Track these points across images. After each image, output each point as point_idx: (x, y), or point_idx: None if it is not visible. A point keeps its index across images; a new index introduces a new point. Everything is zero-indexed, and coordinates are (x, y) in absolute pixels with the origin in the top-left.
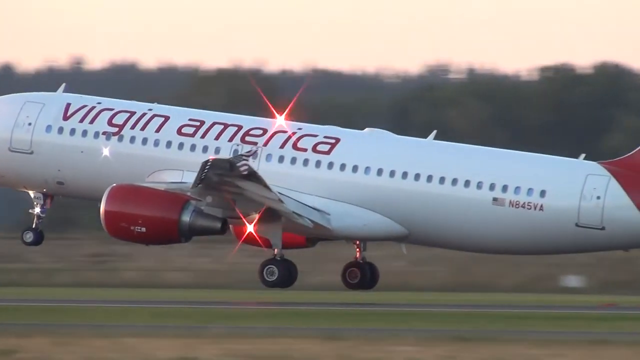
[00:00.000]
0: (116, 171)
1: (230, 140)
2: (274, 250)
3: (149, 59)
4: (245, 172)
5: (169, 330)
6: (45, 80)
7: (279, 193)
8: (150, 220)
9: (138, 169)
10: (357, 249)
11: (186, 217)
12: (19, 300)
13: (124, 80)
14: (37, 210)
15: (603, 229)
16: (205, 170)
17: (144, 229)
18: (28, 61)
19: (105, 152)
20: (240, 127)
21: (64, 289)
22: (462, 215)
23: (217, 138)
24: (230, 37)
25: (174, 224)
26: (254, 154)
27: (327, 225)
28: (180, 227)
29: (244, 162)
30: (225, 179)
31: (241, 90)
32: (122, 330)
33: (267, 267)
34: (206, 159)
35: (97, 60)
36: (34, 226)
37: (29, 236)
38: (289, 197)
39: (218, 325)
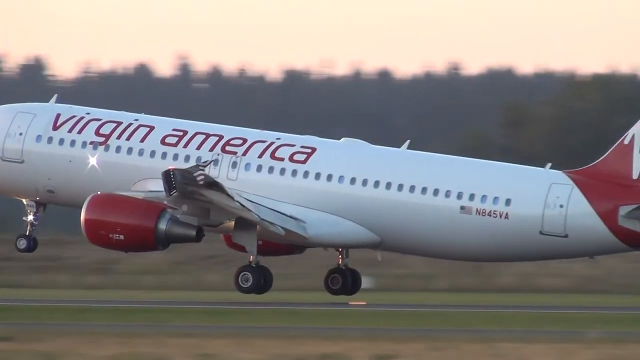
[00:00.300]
0: (103, 180)
1: (211, 149)
2: (249, 257)
3: (525, 64)
4: (202, 182)
5: (544, 335)
6: (423, 85)
7: (251, 201)
8: (128, 228)
9: (124, 177)
10: (339, 256)
11: (162, 225)
12: (397, 305)
13: (499, 86)
14: (30, 217)
15: (566, 236)
16: (172, 180)
17: (122, 237)
18: (405, 67)
19: (93, 161)
20: (221, 137)
21: (440, 294)
22: (431, 224)
23: (198, 148)
24: (607, 42)
25: (150, 232)
26: (212, 163)
27: (303, 234)
28: (157, 234)
29: (200, 172)
30: (189, 188)
31: (617, 96)
32: (499, 335)
33: (242, 273)
34: (166, 169)
35: (473, 65)
36: (27, 233)
37: (22, 243)
38: (262, 205)
39: (595, 331)
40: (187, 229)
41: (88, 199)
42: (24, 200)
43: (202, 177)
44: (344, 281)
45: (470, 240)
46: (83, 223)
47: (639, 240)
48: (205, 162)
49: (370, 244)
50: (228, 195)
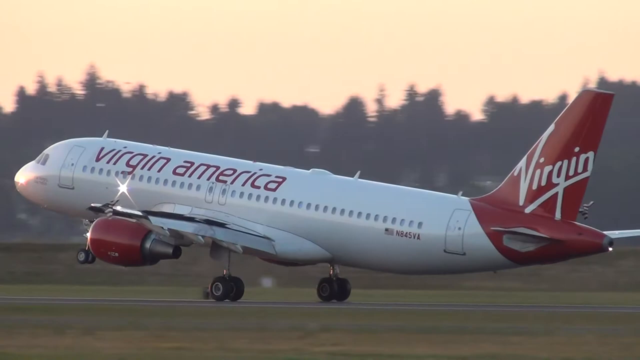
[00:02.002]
0: (131, 204)
1: (209, 179)
2: (223, 270)
3: None
4: (110, 216)
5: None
6: None
7: (218, 223)
8: (121, 247)
9: (146, 202)
10: (331, 268)
11: (147, 244)
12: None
13: None
14: (88, 234)
15: (464, 254)
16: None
17: (117, 254)
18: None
19: (123, 188)
20: (217, 168)
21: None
22: (364, 242)
23: (199, 177)
24: None
25: (137, 250)
26: (116, 202)
27: (272, 251)
28: (143, 252)
29: (109, 209)
30: (110, 217)
31: None
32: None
33: (215, 283)
34: (89, 205)
35: None
36: (86, 248)
37: (82, 255)
38: (234, 229)
39: None
40: (166, 247)
41: (94, 222)
42: (83, 220)
43: (110, 212)
44: (331, 289)
45: (392, 257)
46: (89, 242)
47: (519, 258)
48: (113, 201)
49: (324, 260)
50: (153, 223)
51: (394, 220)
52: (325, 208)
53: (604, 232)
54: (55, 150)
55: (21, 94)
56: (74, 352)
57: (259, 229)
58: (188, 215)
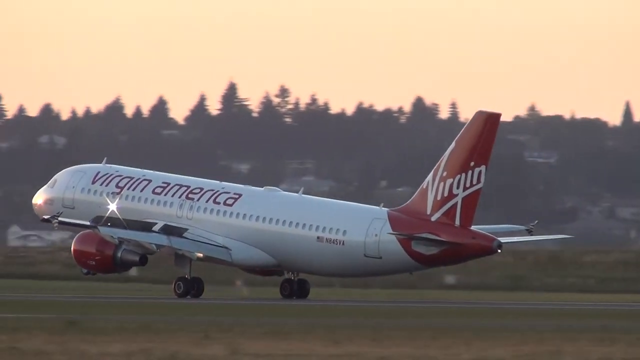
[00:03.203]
0: (120, 220)
1: (180, 197)
2: (184, 271)
3: None
4: (56, 227)
5: None
6: None
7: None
8: (96, 256)
9: (132, 218)
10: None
11: (118, 254)
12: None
13: None
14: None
15: (380, 258)
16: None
17: (94, 262)
18: None
19: (112, 206)
20: (188, 187)
21: None
22: (301, 249)
23: (172, 195)
24: None
25: (110, 259)
26: (60, 214)
27: (229, 259)
28: (115, 260)
29: (55, 220)
30: (55, 227)
31: None
32: None
33: (177, 282)
34: (41, 217)
35: None
36: None
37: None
38: (195, 239)
39: None
40: (133, 255)
41: (76, 236)
42: None
43: (56, 223)
44: (291, 289)
45: (324, 261)
46: (72, 253)
47: (426, 260)
48: (59, 213)
49: (272, 266)
50: (101, 232)
51: (324, 229)
52: (271, 220)
53: (494, 237)
54: (62, 175)
55: None
56: None
57: (218, 240)
58: (149, 226)
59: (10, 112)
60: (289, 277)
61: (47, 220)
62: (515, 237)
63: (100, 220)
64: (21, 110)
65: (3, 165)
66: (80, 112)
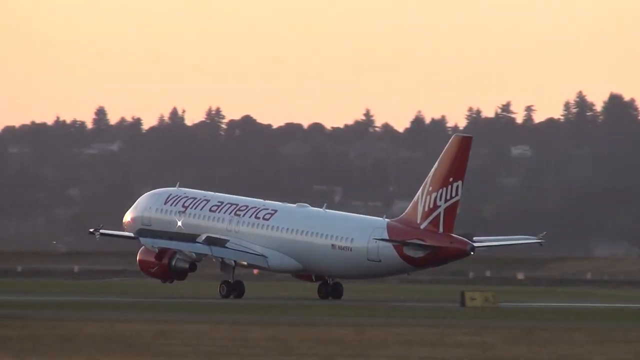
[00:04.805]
0: (185, 234)
1: (230, 213)
2: (228, 276)
3: None
4: (98, 238)
5: None
6: None
7: (219, 244)
8: (156, 265)
9: (195, 232)
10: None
11: (173, 262)
12: None
13: None
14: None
15: (380, 261)
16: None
17: (154, 270)
18: None
19: (179, 223)
20: (236, 205)
21: None
22: (320, 256)
23: (224, 212)
24: None
25: (166, 267)
26: (101, 227)
27: (266, 265)
28: (170, 268)
29: (97, 232)
30: (97, 238)
31: None
32: None
33: (221, 285)
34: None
35: None
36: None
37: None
38: (235, 249)
39: None
40: (184, 263)
41: (140, 248)
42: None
43: (98, 234)
44: (326, 291)
45: (339, 266)
46: (138, 262)
47: (416, 262)
48: (100, 226)
49: (299, 271)
50: (142, 243)
51: (337, 237)
52: (297, 231)
53: (468, 241)
54: (143, 198)
55: None
56: None
57: (257, 249)
58: (193, 238)
59: None
60: (326, 280)
61: (92, 233)
62: (488, 241)
63: (143, 232)
64: None
65: None
66: None
